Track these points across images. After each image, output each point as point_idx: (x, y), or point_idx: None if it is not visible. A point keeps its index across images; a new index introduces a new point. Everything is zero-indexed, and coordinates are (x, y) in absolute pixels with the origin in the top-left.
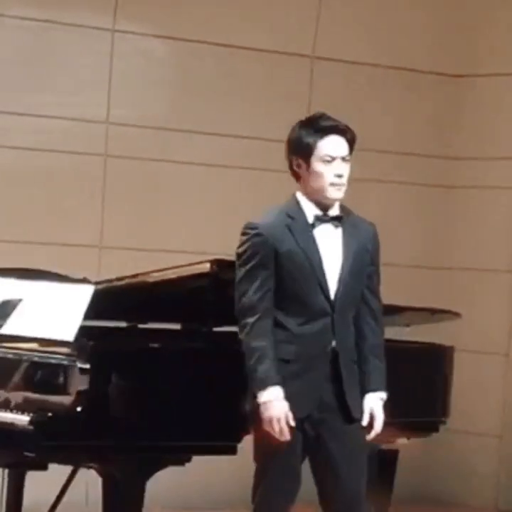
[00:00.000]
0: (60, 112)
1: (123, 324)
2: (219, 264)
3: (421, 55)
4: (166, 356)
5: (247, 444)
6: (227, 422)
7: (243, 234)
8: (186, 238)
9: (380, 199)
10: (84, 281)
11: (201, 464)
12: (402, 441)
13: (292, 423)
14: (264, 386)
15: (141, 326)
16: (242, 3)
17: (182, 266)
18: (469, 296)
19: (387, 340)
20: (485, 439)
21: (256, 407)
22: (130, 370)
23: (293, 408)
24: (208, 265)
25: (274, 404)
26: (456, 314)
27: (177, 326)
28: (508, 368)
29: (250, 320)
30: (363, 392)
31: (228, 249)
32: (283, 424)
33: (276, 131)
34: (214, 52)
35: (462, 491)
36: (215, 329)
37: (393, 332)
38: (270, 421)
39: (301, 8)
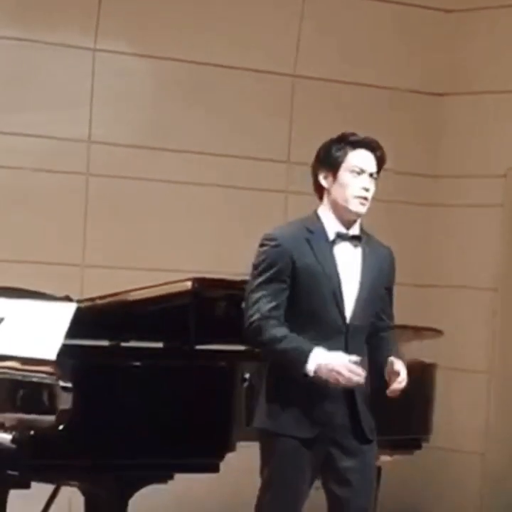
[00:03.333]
0: (42, 131)
1: (105, 342)
2: (200, 282)
3: (402, 74)
4: (147, 374)
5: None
6: (209, 439)
7: (261, 245)
8: (169, 257)
9: (363, 216)
10: (66, 299)
11: (184, 483)
12: (384, 459)
13: (355, 358)
14: (305, 356)
15: (123, 344)
16: (223, 22)
17: (164, 284)
18: (451, 314)
19: None
20: (468, 456)
21: (263, 423)
22: (112, 388)
23: (303, 427)
24: (189, 283)
25: (326, 361)
26: (439, 332)
27: (159, 344)
28: (490, 385)
29: (263, 323)
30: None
31: (210, 267)
32: (349, 368)
33: (257, 149)
34: (195, 71)
35: (445, 509)
36: (197, 347)
37: None
38: (337, 376)
39: (282, 27)
